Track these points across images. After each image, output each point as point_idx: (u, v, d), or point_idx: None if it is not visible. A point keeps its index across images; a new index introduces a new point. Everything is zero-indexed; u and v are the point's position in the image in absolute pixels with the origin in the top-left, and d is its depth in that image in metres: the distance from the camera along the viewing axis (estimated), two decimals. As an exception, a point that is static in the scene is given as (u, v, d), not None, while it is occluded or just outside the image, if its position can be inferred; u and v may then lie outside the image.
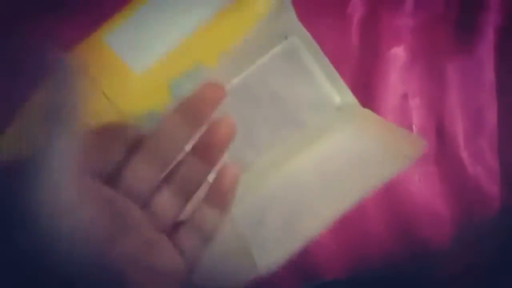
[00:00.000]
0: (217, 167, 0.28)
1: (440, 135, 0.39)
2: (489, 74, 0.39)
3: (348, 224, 0.37)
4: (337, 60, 0.40)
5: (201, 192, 0.28)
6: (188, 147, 0.27)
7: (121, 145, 0.26)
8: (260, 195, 0.38)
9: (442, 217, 0.37)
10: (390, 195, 0.38)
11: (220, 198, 0.28)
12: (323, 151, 0.38)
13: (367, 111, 0.39)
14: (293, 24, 0.38)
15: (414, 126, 0.39)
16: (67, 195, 0.22)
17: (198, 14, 0.27)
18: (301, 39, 0.38)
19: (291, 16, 0.39)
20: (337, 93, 0.38)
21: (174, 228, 0.28)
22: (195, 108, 0.25)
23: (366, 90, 0.40)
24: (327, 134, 0.38)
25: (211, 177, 0.28)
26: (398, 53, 0.39)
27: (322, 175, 0.38)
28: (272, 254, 0.37)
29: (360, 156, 0.38)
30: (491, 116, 0.39)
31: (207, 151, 0.27)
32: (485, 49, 0.39)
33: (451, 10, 0.40)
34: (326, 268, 0.37)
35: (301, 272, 0.37)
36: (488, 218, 0.37)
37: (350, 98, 0.39)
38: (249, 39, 0.36)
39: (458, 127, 0.39)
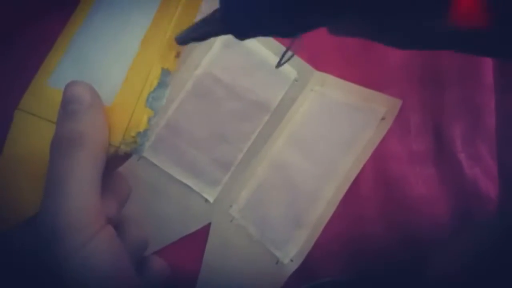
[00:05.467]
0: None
1: (438, 136, 0.39)
2: (487, 75, 0.39)
3: (347, 225, 0.37)
4: (334, 61, 0.39)
5: None
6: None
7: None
8: (254, 190, 0.38)
9: (440, 219, 0.37)
10: (388, 196, 0.38)
11: None
12: (295, 124, 0.39)
13: (324, 75, 0.39)
14: None
15: (412, 128, 0.39)
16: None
17: (137, 26, 0.27)
18: None
19: None
20: (289, 66, 0.39)
21: None
22: None
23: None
24: (292, 107, 0.39)
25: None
26: (395, 54, 0.39)
27: (303, 149, 0.38)
28: (288, 246, 0.37)
29: (331, 120, 0.39)
30: (489, 118, 0.38)
31: None
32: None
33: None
34: (326, 269, 0.37)
35: (300, 272, 0.36)
36: (486, 219, 0.37)
37: (304, 66, 0.40)
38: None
39: (456, 129, 0.38)
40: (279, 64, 0.26)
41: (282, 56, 0.26)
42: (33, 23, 0.37)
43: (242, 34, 0.23)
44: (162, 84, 0.26)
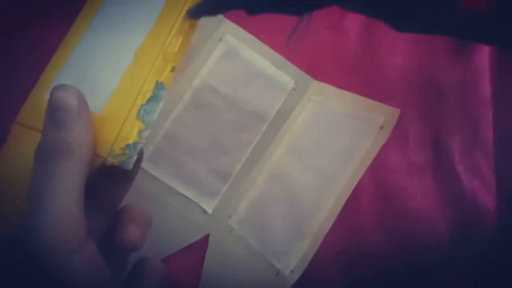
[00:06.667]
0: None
1: (437, 148, 0.39)
2: (485, 88, 0.39)
3: (346, 235, 0.37)
4: (332, 70, 0.40)
5: None
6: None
7: None
8: (253, 200, 0.38)
9: (439, 230, 0.37)
10: (386, 207, 0.38)
11: None
12: (293, 134, 0.39)
13: (322, 84, 0.40)
14: (223, 25, 0.40)
15: (410, 140, 0.39)
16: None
17: (134, 37, 0.27)
18: (235, 37, 0.40)
19: (219, 17, 0.40)
20: (286, 75, 0.40)
21: None
22: None
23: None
24: (290, 117, 0.39)
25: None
26: (395, 66, 0.39)
27: (301, 158, 0.38)
28: (288, 257, 0.37)
29: (329, 129, 0.39)
30: (488, 130, 0.39)
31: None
32: (481, 63, 0.40)
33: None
34: (325, 279, 0.36)
35: (299, 283, 0.36)
36: (485, 232, 0.37)
37: (301, 75, 0.40)
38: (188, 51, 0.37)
39: (455, 141, 0.39)
40: (287, 43, 0.26)
41: (291, 35, 0.26)
42: (31, 26, 0.37)
43: (252, 8, 0.23)
44: (155, 97, 0.26)
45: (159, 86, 0.26)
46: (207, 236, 0.37)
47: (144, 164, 0.37)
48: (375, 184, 0.38)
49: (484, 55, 0.40)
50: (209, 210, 0.37)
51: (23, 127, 0.27)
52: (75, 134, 0.22)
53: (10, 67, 0.36)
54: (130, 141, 0.25)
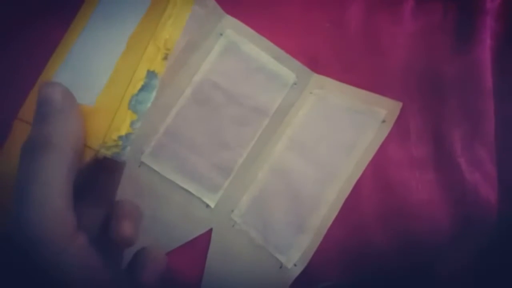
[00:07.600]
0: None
1: (438, 141, 0.39)
2: (487, 80, 0.39)
3: (347, 229, 0.37)
4: (333, 64, 0.40)
5: None
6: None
7: None
8: (255, 194, 0.38)
9: (440, 223, 0.37)
10: (388, 201, 0.37)
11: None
12: (295, 128, 0.39)
13: (323, 78, 0.40)
14: (224, 20, 0.40)
15: (412, 133, 0.39)
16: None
17: (126, 27, 0.27)
18: (236, 32, 0.40)
19: (220, 13, 0.40)
20: (287, 69, 0.40)
21: None
22: None
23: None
24: (292, 110, 0.39)
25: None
26: (396, 59, 0.39)
27: (303, 152, 0.38)
28: (291, 250, 0.37)
29: (331, 123, 0.39)
30: (489, 123, 0.38)
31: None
32: (483, 55, 0.39)
33: (449, 16, 0.40)
34: (326, 273, 0.36)
35: (301, 277, 0.36)
36: (486, 224, 0.37)
37: (302, 69, 0.40)
38: (188, 46, 0.37)
39: (456, 134, 0.38)
40: None
41: None
42: (31, 26, 0.37)
43: None
44: (147, 86, 0.25)
45: (150, 75, 0.26)
46: (210, 231, 0.37)
47: (146, 159, 0.37)
48: (376, 177, 0.38)
49: (485, 48, 0.40)
50: (212, 205, 0.37)
51: (25, 123, 0.27)
52: (56, 127, 0.22)
53: (12, 65, 0.36)
54: (123, 132, 0.24)
